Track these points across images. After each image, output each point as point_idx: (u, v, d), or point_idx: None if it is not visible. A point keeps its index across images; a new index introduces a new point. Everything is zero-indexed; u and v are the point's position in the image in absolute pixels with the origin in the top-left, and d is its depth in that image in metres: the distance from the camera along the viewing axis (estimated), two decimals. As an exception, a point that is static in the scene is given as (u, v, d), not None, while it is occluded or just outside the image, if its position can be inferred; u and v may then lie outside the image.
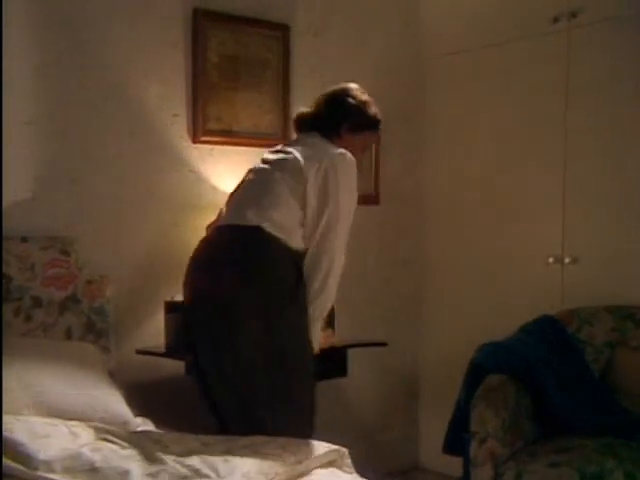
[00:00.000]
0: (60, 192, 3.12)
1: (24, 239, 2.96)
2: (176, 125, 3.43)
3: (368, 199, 4.06)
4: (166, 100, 3.40)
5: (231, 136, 3.57)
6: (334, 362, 3.28)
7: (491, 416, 2.74)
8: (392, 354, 4.05)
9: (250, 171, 2.80)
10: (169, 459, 1.98)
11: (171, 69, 3.41)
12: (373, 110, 2.84)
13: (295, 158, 2.63)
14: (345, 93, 2.81)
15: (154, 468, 1.92)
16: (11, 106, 3.00)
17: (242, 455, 2.06)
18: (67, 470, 1.90)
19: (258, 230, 2.54)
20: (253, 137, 3.63)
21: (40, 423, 2.21)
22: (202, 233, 3.42)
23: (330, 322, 3.39)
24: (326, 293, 2.62)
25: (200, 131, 3.47)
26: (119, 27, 3.25)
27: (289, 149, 2.72)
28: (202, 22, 3.44)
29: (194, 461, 1.97)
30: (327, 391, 3.74)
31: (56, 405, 2.49)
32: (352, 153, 2.72)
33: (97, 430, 2.24)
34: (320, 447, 2.22)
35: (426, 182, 4.29)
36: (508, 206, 3.90)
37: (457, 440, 3.00)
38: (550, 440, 2.87)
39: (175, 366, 3.07)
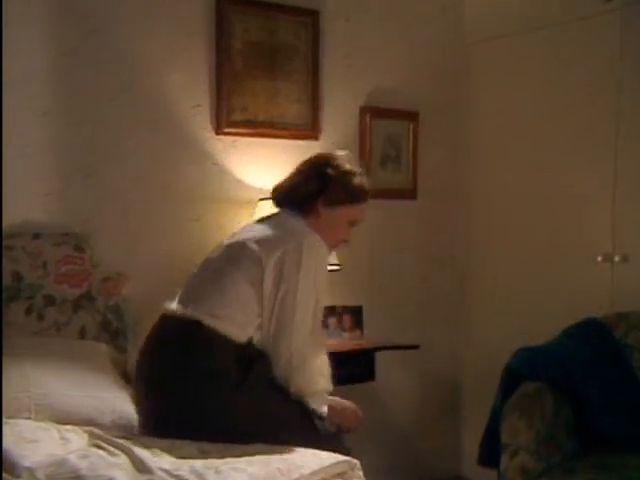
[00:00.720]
0: (75, 186, 3.07)
1: (36, 235, 2.91)
2: (198, 116, 3.35)
3: (405, 194, 3.94)
4: (187, 90, 3.32)
5: (256, 127, 3.47)
6: (361, 365, 3.15)
7: (524, 427, 2.58)
8: (429, 357, 3.90)
9: (214, 251, 2.57)
10: (158, 468, 1.90)
11: (193, 57, 3.33)
12: (357, 180, 2.51)
13: (252, 250, 2.34)
14: (325, 162, 2.52)
15: (141, 477, 1.86)
16: (27, 97, 2.98)
17: (239, 465, 1.98)
18: (50, 477, 1.83)
19: (197, 325, 2.29)
20: (280, 128, 3.53)
21: (31, 427, 2.16)
22: (225, 229, 3.36)
23: (357, 323, 3.26)
24: (297, 380, 2.33)
25: (224, 122, 3.38)
26: (138, 15, 3.18)
27: (253, 233, 2.45)
28: (226, 7, 3.35)
29: (184, 471, 1.90)
30: (361, 396, 3.62)
31: (60, 407, 2.43)
32: (333, 231, 2.49)
33: (91, 435, 2.16)
34: (328, 459, 2.11)
35: (467, 176, 4.12)
36: (554, 201, 3.71)
37: (492, 452, 2.85)
38: (590, 455, 2.69)
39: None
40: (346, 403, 2.55)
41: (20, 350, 2.63)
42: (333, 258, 2.99)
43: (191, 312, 2.31)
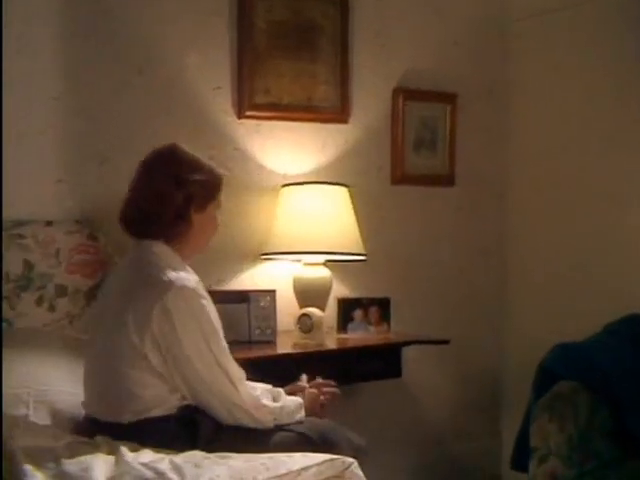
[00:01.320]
0: (89, 173, 3.01)
1: (48, 223, 2.86)
2: (219, 99, 3.26)
3: (441, 180, 3.79)
4: (207, 72, 3.22)
5: (281, 110, 3.36)
6: (387, 361, 3.03)
7: (555, 430, 2.44)
8: (466, 353, 3.77)
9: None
10: (136, 461, 1.88)
11: (213, 38, 3.23)
12: (208, 166, 2.31)
13: (127, 335, 2.10)
14: (167, 167, 2.24)
15: (120, 469, 1.84)
16: (37, 81, 2.92)
17: (221, 459, 1.94)
18: (30, 457, 1.84)
19: (116, 427, 2.13)
20: (306, 111, 3.42)
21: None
22: (247, 216, 3.27)
23: (384, 316, 3.14)
24: (251, 423, 2.19)
25: (246, 105, 3.28)
26: (154, -8, 3.09)
27: (116, 301, 2.20)
28: (247, -15, 3.24)
29: (162, 464, 1.86)
30: (391, 393, 3.53)
31: (59, 406, 2.37)
32: (208, 229, 2.33)
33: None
34: (318, 457, 2.01)
35: (509, 161, 3.94)
36: (600, 190, 3.52)
37: (524, 455, 2.70)
38: (629, 463, 2.52)
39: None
40: (309, 393, 2.45)
41: (25, 343, 2.58)
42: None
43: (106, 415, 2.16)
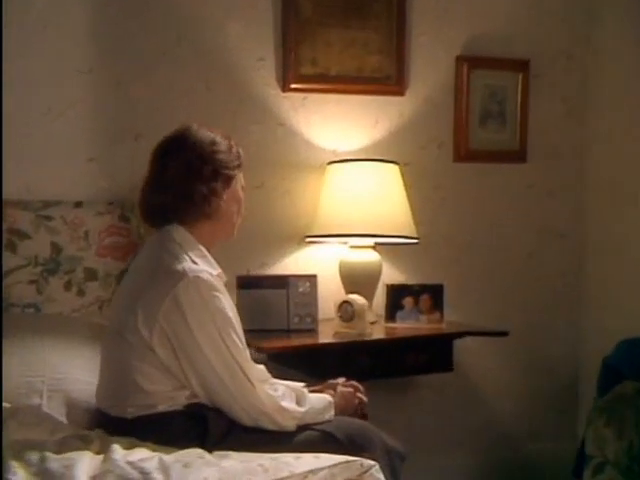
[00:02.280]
0: (121, 150, 2.93)
1: (78, 204, 2.81)
2: (262, 71, 3.14)
3: (510, 156, 3.57)
4: (249, 42, 3.11)
5: (329, 82, 3.22)
6: (436, 353, 2.87)
7: (612, 436, 2.22)
8: (536, 345, 3.56)
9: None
10: (123, 460, 1.81)
11: (255, 5, 3.11)
12: (227, 140, 2.22)
13: (137, 330, 2.03)
14: (193, 146, 2.15)
15: (104, 468, 1.78)
16: (67, 54, 2.87)
17: (214, 459, 1.86)
18: (17, 454, 1.80)
19: (123, 421, 2.07)
20: (357, 82, 3.26)
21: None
22: (291, 195, 3.16)
23: (437, 304, 2.97)
24: (274, 426, 2.08)
25: (291, 77, 3.16)
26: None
27: (128, 295, 2.14)
28: (293, -53, 3.10)
29: (150, 463, 1.79)
30: (453, 388, 3.37)
31: (74, 395, 2.31)
32: (237, 208, 2.24)
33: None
34: (330, 459, 1.89)
35: (586, 135, 3.67)
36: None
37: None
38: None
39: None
40: (342, 391, 2.32)
41: (49, 329, 2.54)
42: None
43: (111, 409, 2.11)
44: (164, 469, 1.76)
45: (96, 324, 2.68)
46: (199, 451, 1.91)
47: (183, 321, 2.00)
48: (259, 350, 2.63)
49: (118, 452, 1.85)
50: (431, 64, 3.39)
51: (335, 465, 1.89)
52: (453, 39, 3.41)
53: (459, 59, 3.44)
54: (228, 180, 2.19)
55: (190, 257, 2.09)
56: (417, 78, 3.36)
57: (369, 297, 3.04)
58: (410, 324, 2.97)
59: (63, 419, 2.24)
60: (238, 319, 2.15)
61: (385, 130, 3.31)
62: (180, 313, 2.00)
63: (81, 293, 2.78)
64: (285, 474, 1.80)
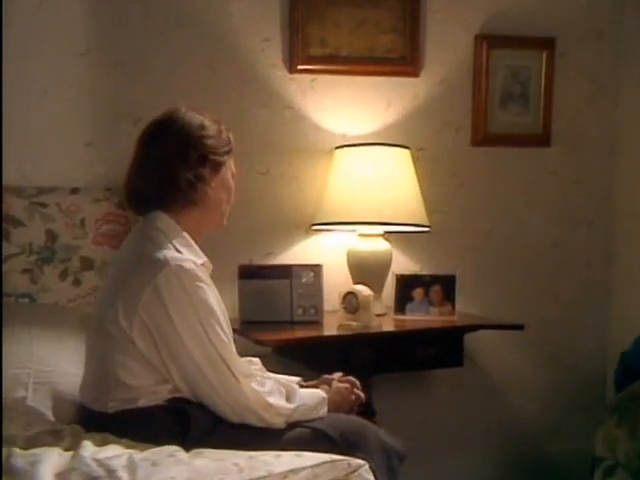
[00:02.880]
0: (119, 135, 2.87)
1: (74, 190, 2.77)
2: (268, 52, 3.06)
3: (533, 140, 3.46)
4: (254, 21, 3.04)
5: (339, 63, 3.13)
6: (445, 347, 2.78)
7: (624, 437, 2.11)
8: (559, 340, 3.44)
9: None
10: (91, 457, 1.76)
11: (260, -18, 3.01)
12: (216, 124, 2.14)
13: (116, 322, 1.97)
14: (178, 130, 2.07)
15: (69, 465, 1.74)
16: (64, 34, 2.83)
17: (185, 457, 1.79)
18: None
19: (104, 416, 2.02)
20: (368, 63, 3.17)
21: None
22: (298, 182, 3.08)
23: (448, 295, 2.88)
24: (259, 422, 2.01)
25: (299, 58, 3.08)
26: None
27: (110, 284, 2.09)
28: None
29: (118, 461, 1.74)
30: (468, 384, 3.28)
31: (60, 388, 2.26)
32: (226, 195, 2.16)
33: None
34: (314, 458, 1.81)
35: (615, 118, 3.52)
36: None
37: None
38: None
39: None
40: (338, 387, 2.24)
41: (40, 320, 2.50)
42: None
43: (93, 403, 2.05)
44: (131, 467, 1.71)
45: (89, 315, 2.62)
46: (174, 448, 1.85)
47: (164, 312, 1.94)
48: (257, 342, 2.56)
49: (88, 449, 1.80)
50: (448, 43, 3.28)
51: (318, 465, 1.81)
52: (471, 16, 3.29)
53: (478, 38, 3.32)
54: (217, 166, 2.11)
55: (174, 246, 2.02)
56: (432, 58, 3.25)
57: (378, 288, 2.96)
58: (420, 316, 2.89)
59: (49, 413, 2.19)
60: (225, 311, 2.08)
61: (398, 113, 3.22)
62: (161, 304, 1.93)
63: (77, 283, 2.75)
64: (262, 473, 1.72)
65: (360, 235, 2.98)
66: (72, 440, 1.89)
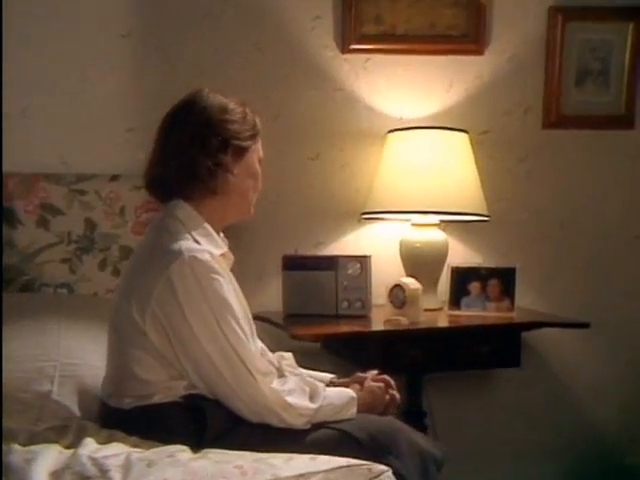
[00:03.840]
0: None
1: (114, 177, 2.76)
2: (318, 30, 2.98)
3: (614, 121, 3.25)
4: (304, -1, 2.92)
5: (395, 41, 3.02)
6: (501, 345, 2.64)
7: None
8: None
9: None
10: (87, 455, 1.73)
11: (310, -42, 2.92)
12: (241, 106, 2.05)
13: (129, 315, 1.94)
14: (199, 111, 2.01)
15: (65, 463, 1.72)
16: (104, 16, 2.81)
17: (191, 459, 1.73)
18: None
19: (120, 412, 1.99)
20: (428, 41, 3.04)
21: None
22: (350, 168, 3.00)
23: (507, 290, 2.74)
24: (280, 423, 1.94)
25: (352, 37, 2.98)
26: None
27: (126, 280, 2.05)
28: None
29: (115, 460, 1.70)
30: (528, 387, 3.14)
31: (87, 381, 2.22)
32: (252, 183, 2.08)
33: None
34: (329, 463, 1.72)
35: None
36: None
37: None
38: None
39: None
40: (370, 386, 2.13)
41: (75, 311, 2.48)
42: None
43: (109, 398, 2.03)
44: (126, 467, 1.67)
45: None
46: (179, 448, 1.79)
47: (176, 305, 1.88)
48: (293, 337, 2.49)
49: (88, 447, 1.77)
50: (517, 17, 3.12)
51: (333, 469, 1.71)
52: (544, -13, 3.10)
53: (552, 10, 3.14)
54: (240, 152, 2.03)
55: (193, 236, 1.96)
56: (499, 34, 3.10)
57: (433, 281, 2.85)
58: (476, 312, 2.75)
59: (75, 407, 2.18)
60: (245, 306, 2.02)
61: (460, 94, 3.09)
62: (173, 297, 1.87)
63: (116, 273, 2.73)
64: (267, 477, 1.64)
65: (414, 225, 2.87)
66: (75, 437, 1.87)
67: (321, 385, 2.03)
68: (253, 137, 2.06)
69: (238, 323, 1.92)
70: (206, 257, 1.90)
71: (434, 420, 2.90)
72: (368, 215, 2.89)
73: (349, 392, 2.06)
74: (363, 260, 2.71)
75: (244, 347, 1.92)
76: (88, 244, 2.71)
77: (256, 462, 1.70)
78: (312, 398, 1.98)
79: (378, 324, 2.66)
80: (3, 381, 2.07)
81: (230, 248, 2.07)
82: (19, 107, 2.75)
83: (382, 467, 1.77)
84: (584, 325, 2.67)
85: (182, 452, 1.78)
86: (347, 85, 3.00)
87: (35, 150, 2.76)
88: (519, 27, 3.12)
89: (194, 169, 1.98)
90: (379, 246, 2.96)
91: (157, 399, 1.94)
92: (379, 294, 2.78)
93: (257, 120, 2.08)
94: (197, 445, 1.87)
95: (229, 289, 1.94)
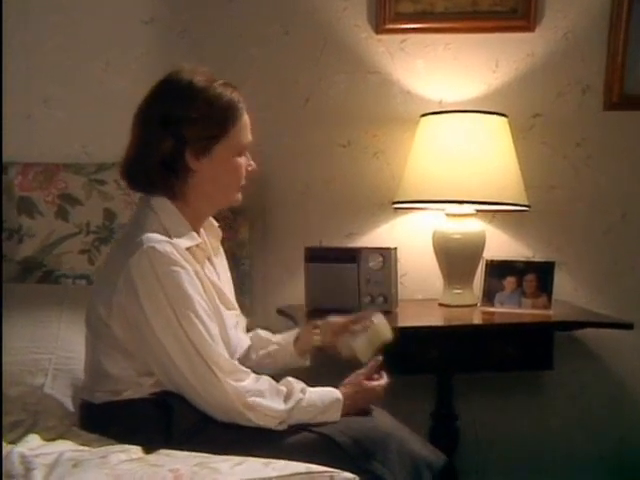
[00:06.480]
0: (185, 107, 2.88)
1: (134, 166, 2.81)
2: (350, 10, 2.94)
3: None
4: (336, -23, 2.88)
5: (434, 20, 2.95)
6: (533, 345, 2.55)
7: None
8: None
9: None
10: (18, 452, 1.79)
11: None
12: (218, 92, 1.98)
13: (95, 310, 1.98)
14: (162, 94, 2.01)
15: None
16: (126, 2, 2.88)
17: (121, 462, 1.72)
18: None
19: (92, 406, 2.02)
20: (471, 19, 2.96)
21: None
22: (384, 156, 2.97)
23: (545, 286, 2.64)
24: (250, 423, 1.91)
25: (387, 16, 2.93)
26: None
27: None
28: None
29: (45, 459, 1.75)
30: (558, 391, 3.04)
31: (81, 375, 2.28)
32: (226, 178, 2.03)
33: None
34: (284, 469, 1.69)
35: None
36: None
37: None
38: None
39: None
40: (359, 384, 2.07)
41: (68, 302, 2.51)
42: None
43: (84, 392, 2.08)
44: (51, 467, 1.69)
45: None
46: (129, 447, 1.81)
47: (135, 299, 1.88)
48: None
49: (28, 443, 1.82)
50: (575, -10, 2.97)
51: (286, 476, 1.68)
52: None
53: (616, -20, 2.98)
54: (202, 152, 1.98)
55: (164, 226, 1.96)
56: (553, 8, 2.97)
57: (469, 274, 2.78)
58: (510, 308, 2.66)
59: (68, 402, 2.23)
60: (214, 298, 2.01)
61: (507, 75, 2.99)
62: (132, 290, 1.87)
63: (136, 264, 2.77)
64: None
65: (448, 215, 2.80)
66: (23, 432, 1.93)
67: (298, 386, 1.99)
68: (224, 127, 1.99)
69: (199, 317, 1.89)
70: (166, 248, 1.88)
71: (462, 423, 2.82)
72: (399, 205, 2.83)
73: (335, 393, 2.01)
74: (386, 252, 2.66)
75: (204, 342, 1.89)
76: (107, 235, 2.76)
77: (197, 466, 1.68)
78: (287, 399, 1.95)
79: (406, 320, 2.60)
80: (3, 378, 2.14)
81: (230, 238, 2.06)
82: (41, 97, 2.84)
83: (347, 475, 1.72)
84: (628, 326, 2.53)
85: (127, 452, 1.78)
86: (381, 68, 2.95)
87: (57, 140, 2.85)
88: (577, 1, 2.98)
89: (152, 168, 1.98)
90: (412, 237, 2.91)
91: (127, 395, 1.96)
92: (411, 288, 2.73)
93: (236, 98, 2.01)
94: (165, 443, 1.87)
95: (192, 282, 1.91)
